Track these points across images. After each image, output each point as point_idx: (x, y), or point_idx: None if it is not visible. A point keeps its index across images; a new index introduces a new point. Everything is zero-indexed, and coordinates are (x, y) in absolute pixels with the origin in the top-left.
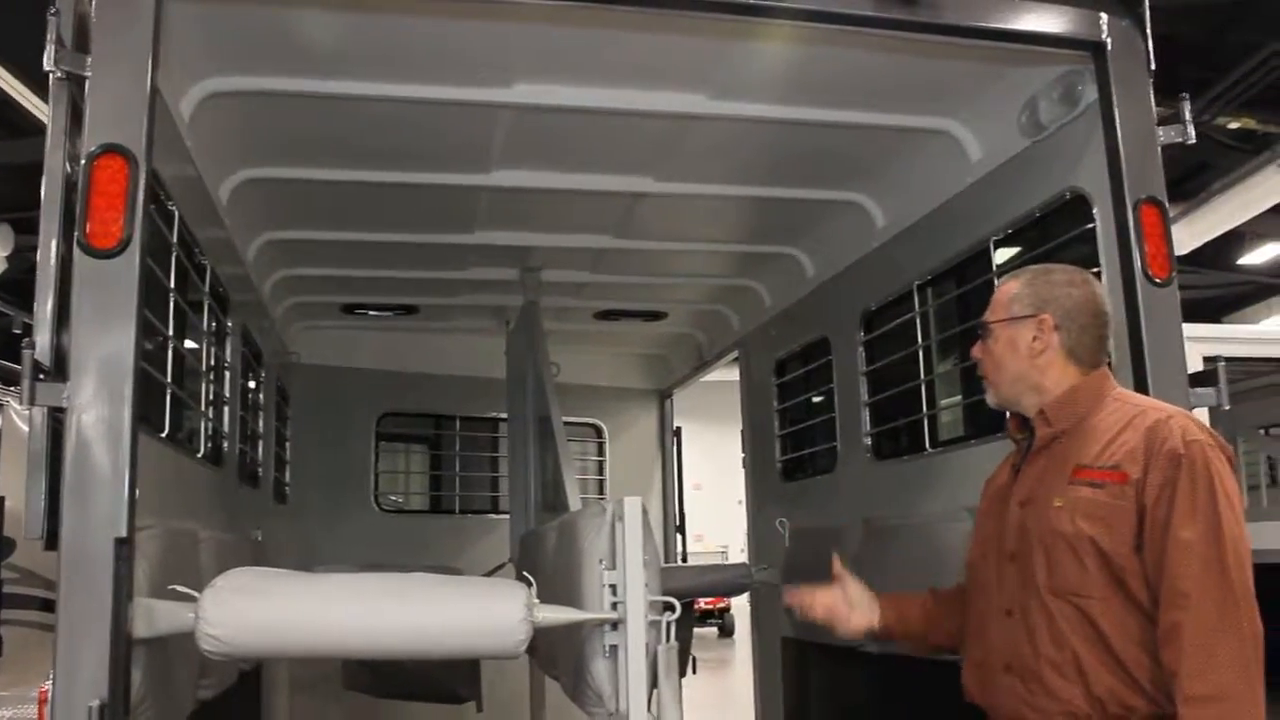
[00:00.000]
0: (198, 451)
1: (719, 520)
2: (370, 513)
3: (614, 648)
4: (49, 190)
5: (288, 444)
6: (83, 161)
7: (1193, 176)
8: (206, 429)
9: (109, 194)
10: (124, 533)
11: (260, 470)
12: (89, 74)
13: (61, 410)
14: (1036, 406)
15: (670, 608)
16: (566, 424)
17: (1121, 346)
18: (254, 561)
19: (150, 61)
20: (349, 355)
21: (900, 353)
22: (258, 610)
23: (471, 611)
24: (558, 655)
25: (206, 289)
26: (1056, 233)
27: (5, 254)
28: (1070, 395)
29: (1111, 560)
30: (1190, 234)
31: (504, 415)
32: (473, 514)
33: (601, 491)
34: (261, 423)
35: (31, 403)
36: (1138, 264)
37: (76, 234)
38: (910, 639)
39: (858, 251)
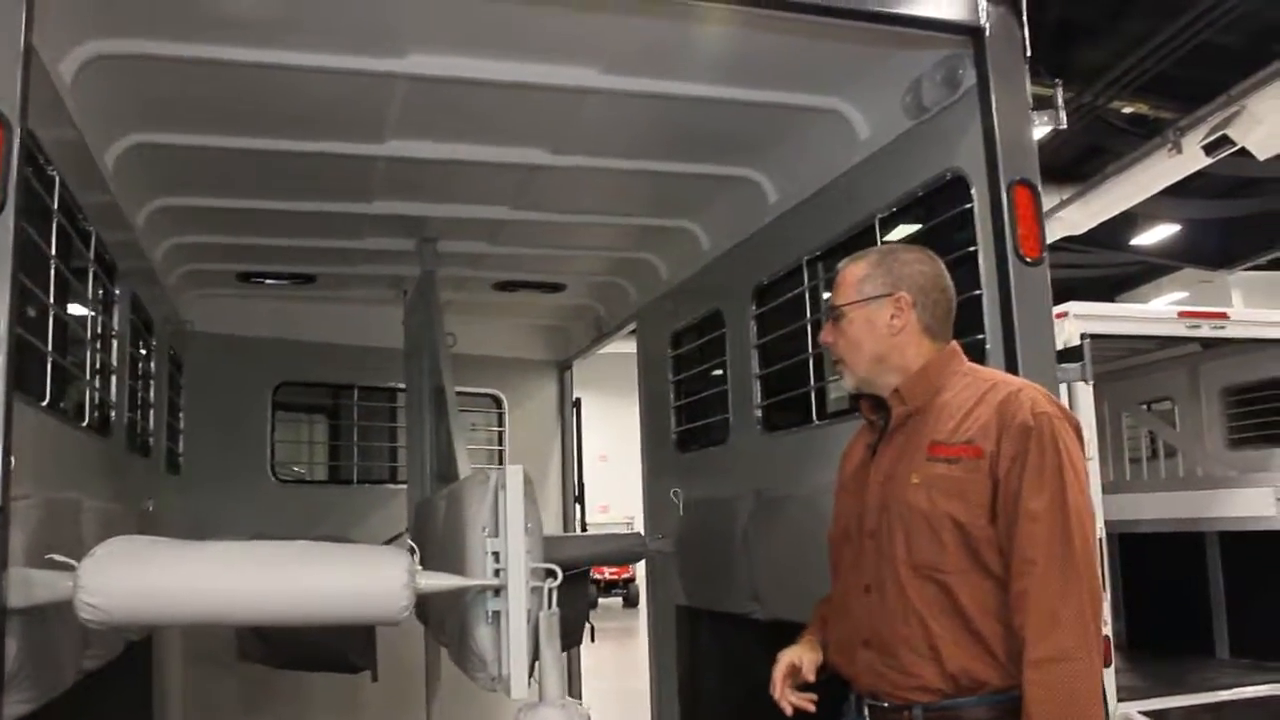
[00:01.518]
0: (82, 421)
1: (625, 492)
2: (267, 483)
3: (496, 614)
4: None
5: (181, 414)
6: None
7: (1088, 159)
8: (92, 398)
9: None
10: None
11: (152, 440)
12: None
13: None
14: (894, 386)
15: (552, 574)
16: (466, 394)
17: (994, 323)
18: (142, 531)
19: (24, 21)
20: (245, 324)
21: (789, 326)
22: (137, 578)
23: (354, 578)
24: (446, 622)
25: (91, 255)
26: (938, 212)
27: None
28: (923, 373)
29: (969, 534)
30: (1085, 215)
31: (402, 385)
32: (371, 484)
33: (501, 461)
34: (153, 392)
35: None
36: (1010, 244)
37: None
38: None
39: (750, 226)
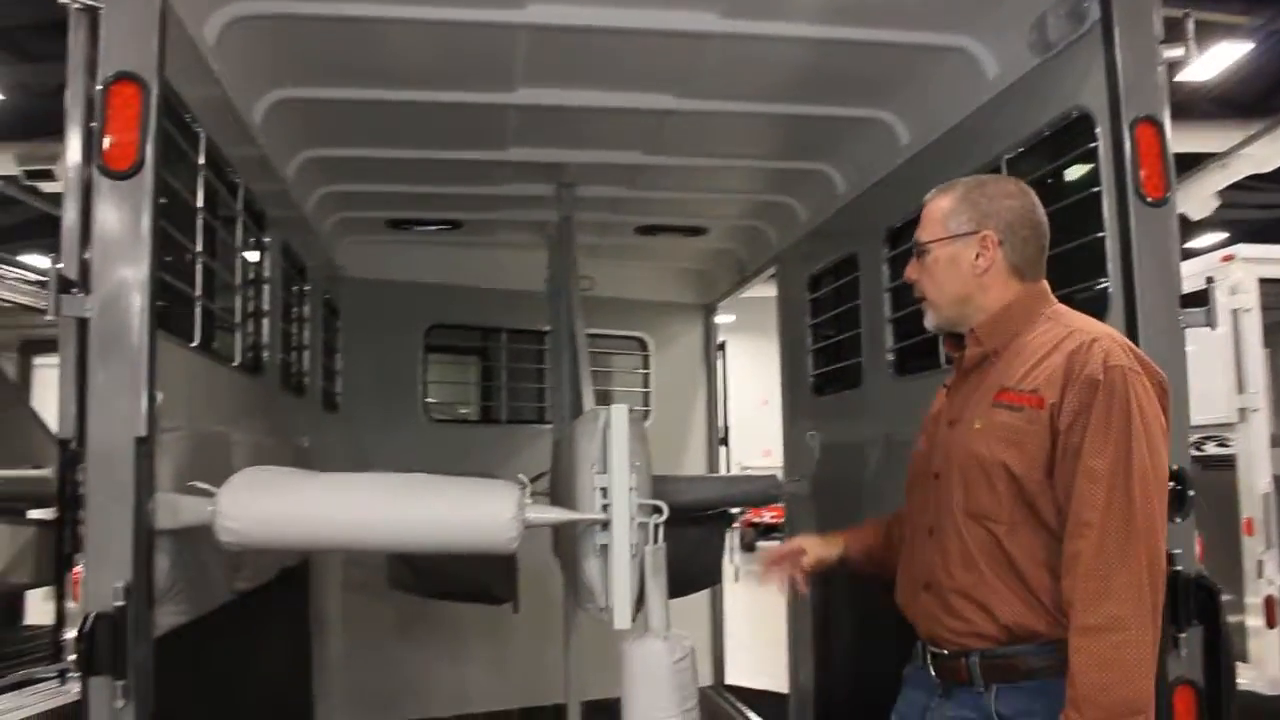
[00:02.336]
0: (233, 360)
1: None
2: (419, 421)
3: (604, 547)
4: (71, 117)
5: (337, 355)
6: (99, 89)
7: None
8: (243, 339)
9: (123, 119)
10: (143, 432)
11: (307, 379)
12: (102, 5)
13: (86, 320)
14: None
15: (658, 510)
16: (611, 337)
17: (1117, 267)
18: (294, 464)
19: None
20: (397, 269)
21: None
22: (268, 504)
23: (466, 508)
24: (565, 556)
25: (240, 205)
26: (1064, 152)
27: None
28: (1003, 313)
29: (1023, 485)
30: (1275, 151)
31: (548, 328)
32: (520, 424)
33: (646, 404)
34: (308, 334)
35: (57, 313)
36: (1131, 182)
37: (95, 158)
38: (877, 567)
39: (883, 168)
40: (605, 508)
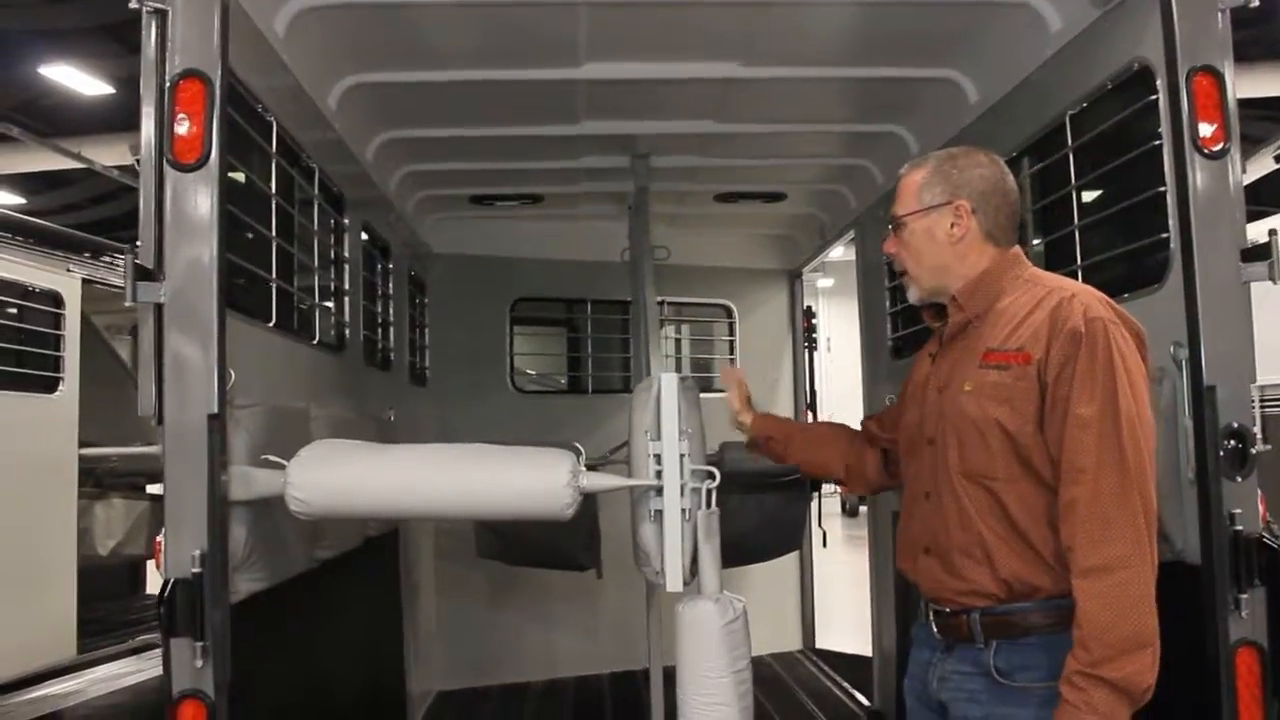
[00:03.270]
0: (313, 338)
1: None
2: (507, 393)
3: (659, 512)
4: (145, 113)
5: (426, 330)
6: (167, 86)
7: None
8: (324, 318)
9: (189, 114)
10: (215, 409)
11: (393, 355)
12: (169, 7)
13: (161, 306)
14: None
15: (710, 476)
16: (697, 305)
17: (1174, 221)
18: (377, 437)
19: None
20: (482, 244)
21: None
22: (332, 476)
23: (522, 476)
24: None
25: (316, 189)
26: (1126, 105)
27: None
28: (981, 279)
29: (1016, 441)
30: None
31: (630, 298)
32: (605, 393)
33: None
34: (393, 310)
35: (133, 299)
36: (1187, 133)
37: (165, 151)
38: (777, 458)
39: (953, 128)
40: (659, 474)
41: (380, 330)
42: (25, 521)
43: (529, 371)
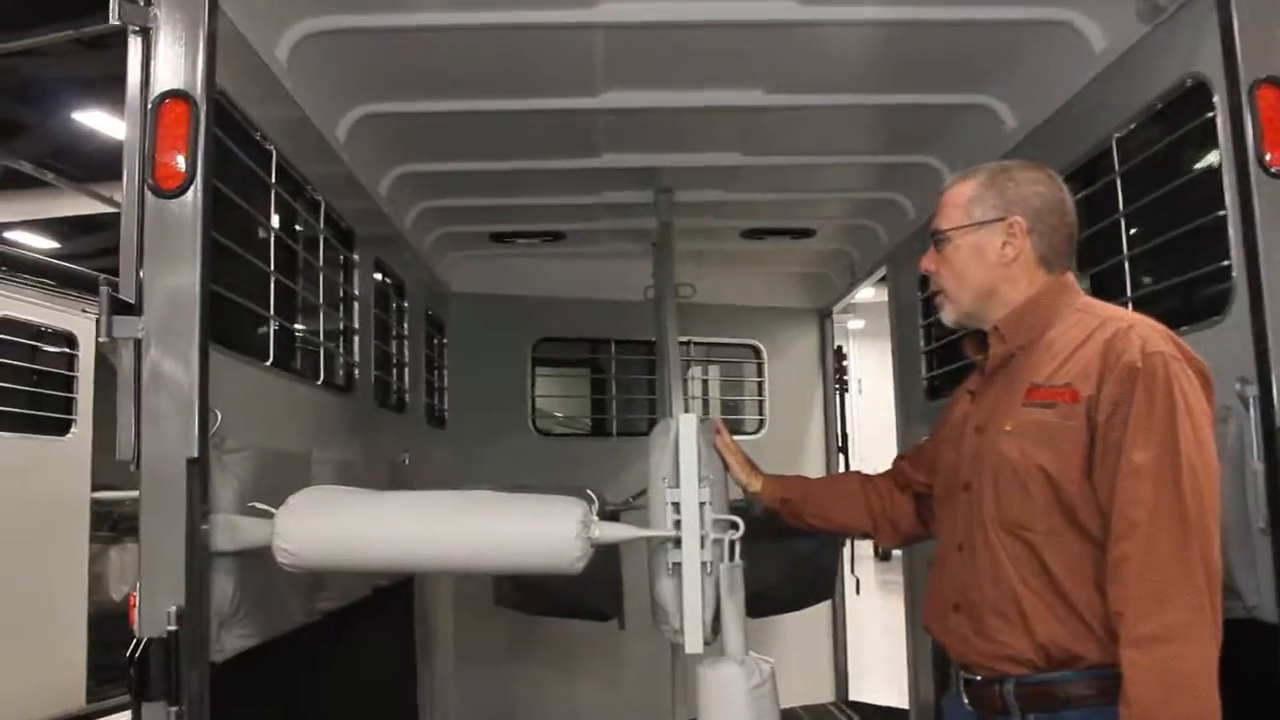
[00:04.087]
0: (317, 379)
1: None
2: (528, 436)
3: (678, 565)
4: (129, 136)
5: (444, 371)
6: (149, 107)
7: None
8: (331, 358)
9: (171, 138)
10: (195, 453)
11: (408, 396)
12: (151, 25)
13: (140, 341)
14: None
15: (734, 526)
16: (724, 345)
17: (1236, 247)
18: (390, 482)
19: (207, 10)
20: (502, 283)
21: None
22: (326, 525)
23: (528, 527)
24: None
25: (321, 224)
26: (1179, 125)
27: None
28: (1028, 307)
29: (1061, 489)
30: None
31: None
32: (629, 436)
33: (761, 413)
34: (408, 350)
35: (108, 335)
36: (1251, 151)
37: (146, 177)
38: (796, 521)
39: (989, 155)
40: (677, 524)
41: (395, 371)
42: (34, 566)
43: (555, 414)
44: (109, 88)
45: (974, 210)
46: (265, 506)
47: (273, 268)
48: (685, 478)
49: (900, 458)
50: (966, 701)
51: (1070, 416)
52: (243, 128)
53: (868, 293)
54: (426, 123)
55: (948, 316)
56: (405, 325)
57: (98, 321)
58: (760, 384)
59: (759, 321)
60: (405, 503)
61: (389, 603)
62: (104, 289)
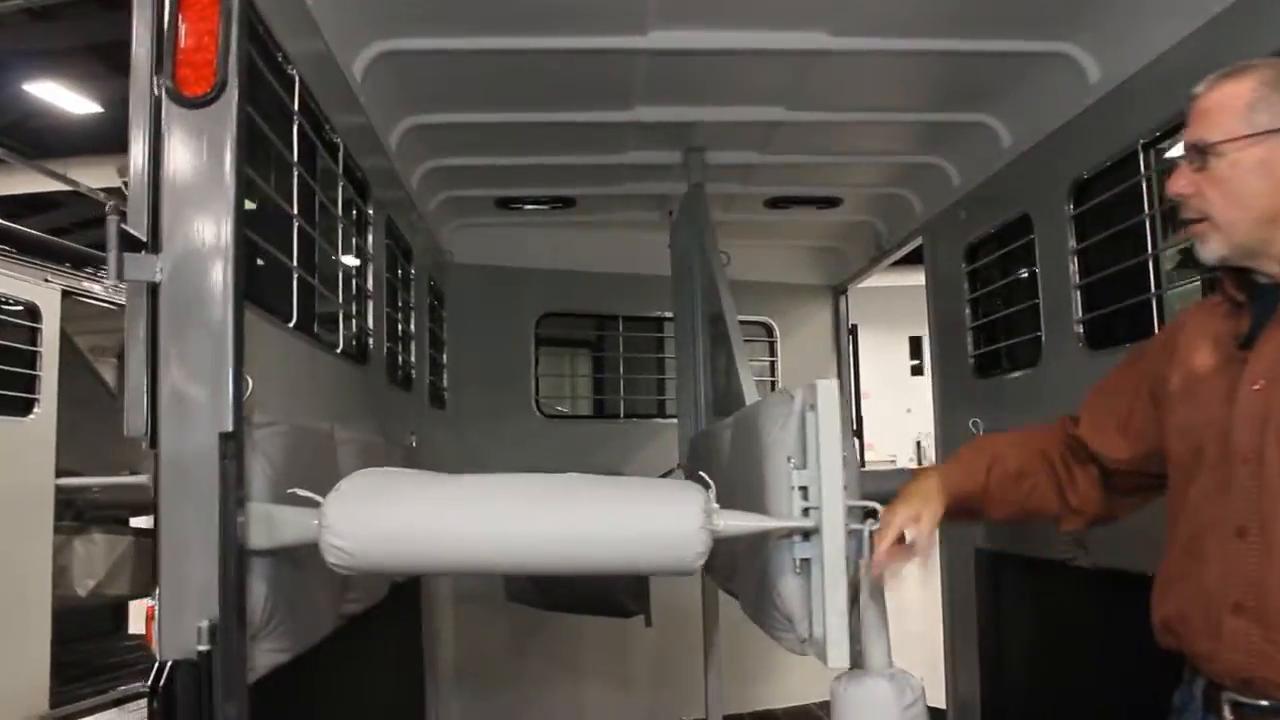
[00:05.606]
0: (336, 347)
1: (887, 429)
2: (532, 418)
3: (805, 561)
4: (138, 34)
5: (445, 347)
6: None
7: None
8: (348, 324)
9: (198, 32)
10: (229, 426)
11: (414, 373)
12: None
13: (156, 287)
14: None
15: (872, 515)
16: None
17: None
18: (405, 466)
19: None
20: (506, 254)
21: (1119, 225)
22: (386, 517)
23: (639, 519)
24: (737, 570)
25: (340, 168)
26: None
27: None
28: None
29: None
30: None
31: (670, 314)
32: (638, 418)
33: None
34: (414, 324)
35: (119, 278)
36: None
37: (165, 81)
38: (977, 518)
39: (1066, 112)
40: (807, 511)
41: (402, 345)
42: None
43: (564, 396)
44: (61, 60)
45: (1256, 116)
46: (309, 494)
47: (296, 212)
48: (827, 457)
49: (1072, 421)
50: None
51: None
52: (268, 46)
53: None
54: (448, 65)
55: (1212, 251)
56: (412, 295)
57: (107, 260)
58: (772, 364)
59: (771, 297)
60: (485, 488)
61: (401, 601)
62: (112, 220)
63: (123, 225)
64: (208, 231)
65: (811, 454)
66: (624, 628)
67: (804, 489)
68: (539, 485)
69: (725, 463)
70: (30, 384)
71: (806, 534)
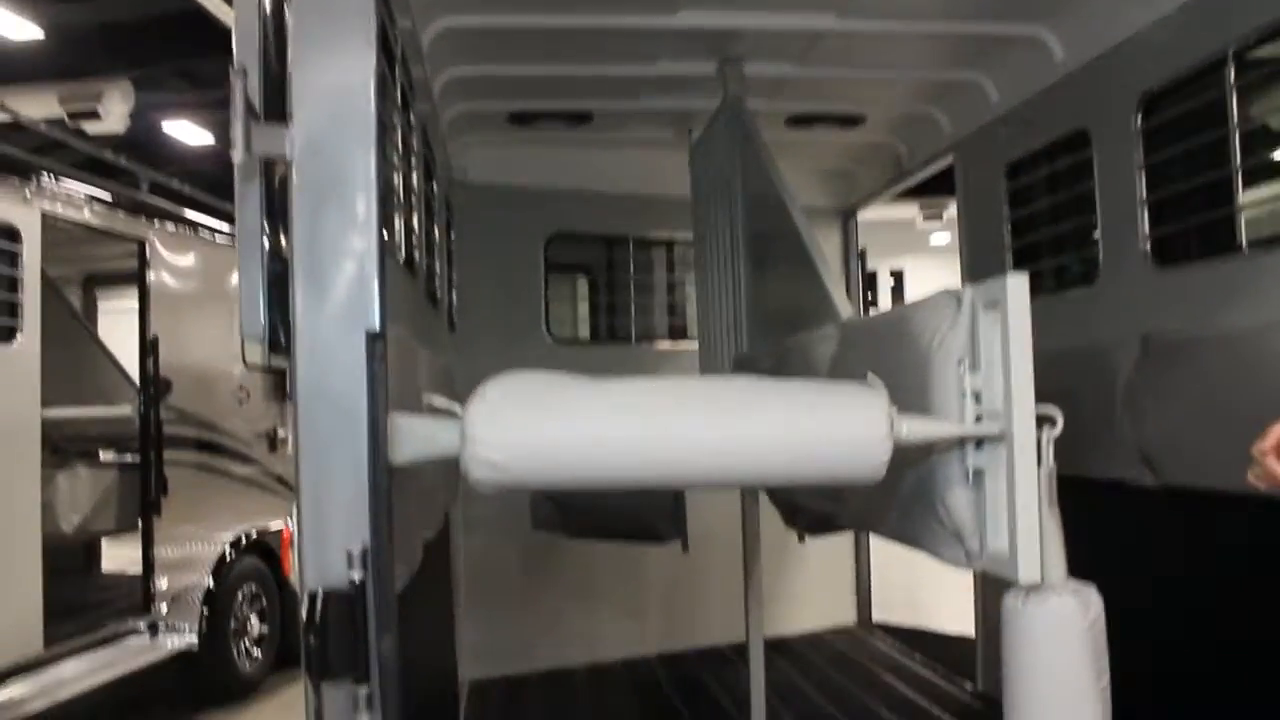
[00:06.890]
0: (400, 254)
1: None
2: (541, 342)
3: (979, 472)
4: None
5: (454, 269)
6: None
7: None
8: (402, 233)
9: None
10: (377, 325)
11: (439, 293)
12: None
13: (281, 163)
14: None
15: (1050, 421)
16: None
17: None
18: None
19: None
20: (516, 172)
21: (1200, 138)
22: (546, 425)
23: (825, 425)
24: (854, 491)
25: (398, 69)
26: None
27: (128, 110)
28: None
29: None
30: None
31: (686, 236)
32: (651, 341)
33: None
34: (438, 239)
35: (246, 150)
36: None
37: None
38: None
39: (1137, 21)
40: (979, 418)
41: (432, 261)
42: None
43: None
44: None
45: None
46: (447, 402)
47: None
48: (1018, 357)
49: None
50: None
51: None
52: None
53: None
54: None
55: None
56: (435, 210)
57: (232, 132)
58: None
59: None
60: (649, 393)
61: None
62: (237, 84)
63: (246, 91)
64: (346, 96)
65: (987, 355)
66: (654, 557)
67: (977, 395)
68: (708, 389)
69: (828, 375)
70: (11, 309)
71: (980, 442)
